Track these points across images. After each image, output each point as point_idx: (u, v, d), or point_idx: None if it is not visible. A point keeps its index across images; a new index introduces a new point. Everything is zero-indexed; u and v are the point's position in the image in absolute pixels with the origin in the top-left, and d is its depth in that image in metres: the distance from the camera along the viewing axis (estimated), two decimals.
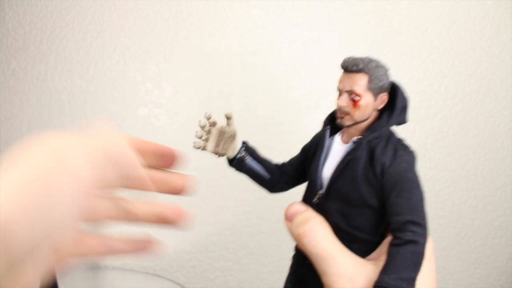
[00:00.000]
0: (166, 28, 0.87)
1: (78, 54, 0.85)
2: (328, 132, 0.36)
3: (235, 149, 0.38)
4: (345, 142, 0.35)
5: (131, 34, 0.86)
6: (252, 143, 0.91)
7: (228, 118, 0.37)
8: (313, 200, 0.35)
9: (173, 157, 0.26)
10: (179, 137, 0.88)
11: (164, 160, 0.26)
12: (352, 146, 0.33)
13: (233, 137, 0.38)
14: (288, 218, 0.33)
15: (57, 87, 0.84)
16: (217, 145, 0.33)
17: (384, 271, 0.29)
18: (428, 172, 0.94)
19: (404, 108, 0.36)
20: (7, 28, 0.83)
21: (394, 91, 0.35)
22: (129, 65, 0.86)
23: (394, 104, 0.35)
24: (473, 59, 0.95)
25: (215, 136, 0.33)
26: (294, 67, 0.89)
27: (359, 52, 0.90)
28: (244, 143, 0.39)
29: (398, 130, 0.94)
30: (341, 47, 0.91)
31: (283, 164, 0.41)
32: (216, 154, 0.34)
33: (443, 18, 0.94)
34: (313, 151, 0.38)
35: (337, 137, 0.36)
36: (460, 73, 0.94)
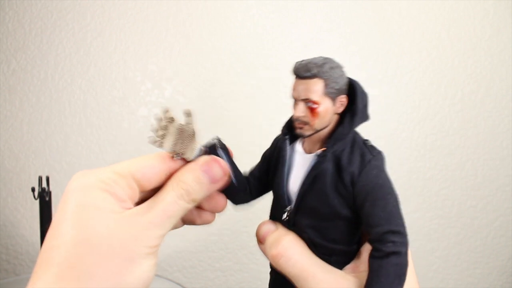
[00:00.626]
0: (166, 28, 0.87)
1: (78, 54, 0.85)
2: (287, 143, 0.33)
3: (194, 149, 0.33)
4: (308, 152, 0.33)
5: (131, 34, 0.86)
6: (251, 144, 0.91)
7: (188, 115, 0.33)
8: (283, 217, 0.33)
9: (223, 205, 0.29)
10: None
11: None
12: (316, 160, 0.31)
13: (191, 136, 0.33)
14: (260, 240, 0.32)
15: (57, 87, 0.85)
16: (175, 143, 0.30)
17: None
18: (428, 172, 0.94)
19: (365, 107, 0.33)
20: (7, 28, 0.83)
21: (352, 90, 0.32)
22: (129, 65, 0.86)
23: (355, 105, 0.32)
24: (473, 59, 0.95)
25: (173, 134, 0.30)
26: None
27: (359, 52, 0.91)
28: (217, 139, 0.35)
29: (399, 131, 0.94)
30: (341, 47, 0.91)
31: (248, 175, 0.38)
32: (173, 153, 0.30)
33: (443, 18, 0.94)
34: (274, 162, 0.35)
35: (298, 146, 0.33)
36: (459, 73, 0.95)
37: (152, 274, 0.23)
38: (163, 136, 0.30)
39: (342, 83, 0.32)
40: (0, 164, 0.83)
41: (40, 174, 0.69)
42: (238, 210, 0.40)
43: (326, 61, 0.32)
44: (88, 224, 0.21)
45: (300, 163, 0.33)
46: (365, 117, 0.34)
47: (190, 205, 0.26)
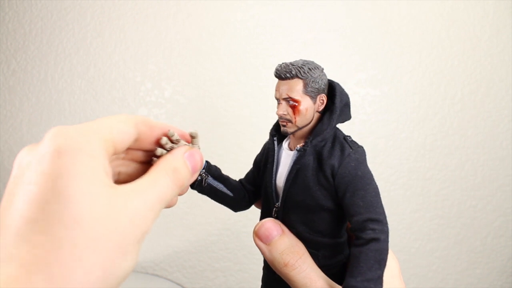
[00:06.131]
0: (166, 28, 0.87)
1: (78, 54, 0.85)
2: (275, 143, 0.35)
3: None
4: (292, 149, 0.35)
5: (131, 34, 0.86)
6: (251, 143, 0.91)
7: (193, 137, 0.35)
8: (272, 214, 0.35)
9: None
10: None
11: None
12: (297, 155, 0.33)
13: None
14: (261, 238, 0.33)
15: (57, 87, 0.85)
16: None
17: (350, 274, 0.29)
18: (428, 172, 0.94)
19: (345, 106, 0.35)
20: (7, 28, 0.83)
21: (332, 90, 0.35)
22: (129, 65, 0.86)
23: (334, 103, 0.34)
24: (472, 59, 0.95)
25: None
26: None
27: (359, 52, 0.91)
28: (206, 162, 0.37)
29: (398, 131, 0.94)
30: (341, 47, 0.91)
31: (241, 180, 0.40)
32: None
33: (443, 18, 0.94)
34: (264, 163, 0.37)
35: (285, 144, 0.36)
36: (459, 73, 0.95)
37: (135, 264, 0.21)
38: None
39: (322, 83, 0.35)
40: (0, 164, 0.83)
41: None
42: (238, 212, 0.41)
43: (305, 63, 0.35)
44: (80, 200, 0.18)
45: (285, 159, 0.35)
46: (345, 116, 0.36)
47: (178, 192, 0.25)
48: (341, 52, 0.90)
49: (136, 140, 0.25)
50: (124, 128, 0.24)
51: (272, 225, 0.33)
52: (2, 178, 0.83)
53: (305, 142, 0.33)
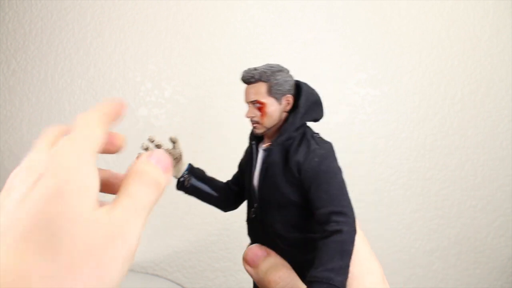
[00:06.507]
0: (166, 28, 0.87)
1: (78, 54, 0.85)
2: (254, 146, 0.37)
3: (179, 171, 0.39)
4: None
5: (131, 34, 0.86)
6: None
7: (174, 142, 0.37)
8: (250, 215, 0.37)
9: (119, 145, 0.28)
10: (179, 137, 0.88)
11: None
12: (265, 154, 0.34)
13: (178, 159, 0.39)
14: (249, 262, 0.35)
15: (57, 87, 0.85)
16: None
17: (313, 267, 0.30)
18: (428, 172, 0.94)
19: (314, 104, 0.36)
20: (7, 28, 0.83)
21: (300, 91, 0.36)
22: (129, 65, 0.86)
23: (298, 102, 0.35)
24: (472, 59, 0.95)
25: None
26: (294, 67, 0.89)
27: (359, 52, 0.91)
28: (189, 165, 0.40)
29: (398, 131, 0.94)
30: (341, 47, 0.91)
31: (228, 182, 0.41)
32: None
33: (443, 18, 0.94)
34: (245, 166, 0.38)
35: (261, 145, 0.37)
36: (459, 73, 0.95)
37: (125, 274, 0.22)
38: None
39: (286, 85, 0.36)
40: (0, 164, 0.83)
41: None
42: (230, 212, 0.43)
43: (268, 67, 0.36)
44: (73, 229, 0.19)
45: (259, 160, 0.36)
46: (315, 113, 0.37)
47: (158, 193, 0.25)
48: (341, 52, 0.90)
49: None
50: (103, 135, 0.25)
51: (258, 249, 0.35)
52: (2, 178, 0.83)
53: (271, 142, 0.35)
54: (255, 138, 0.38)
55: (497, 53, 0.95)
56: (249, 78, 0.37)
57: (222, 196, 0.40)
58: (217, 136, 0.87)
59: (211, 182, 0.40)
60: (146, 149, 0.32)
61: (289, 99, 0.36)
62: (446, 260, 0.95)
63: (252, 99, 0.36)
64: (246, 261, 0.35)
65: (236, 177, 0.42)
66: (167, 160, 0.26)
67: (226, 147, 0.87)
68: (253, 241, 0.39)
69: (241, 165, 0.41)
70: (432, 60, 0.94)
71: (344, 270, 0.29)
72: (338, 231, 0.30)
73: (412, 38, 0.93)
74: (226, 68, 0.88)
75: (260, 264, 0.34)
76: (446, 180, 0.95)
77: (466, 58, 0.95)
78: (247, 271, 0.34)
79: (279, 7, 0.89)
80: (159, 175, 0.25)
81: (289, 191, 0.33)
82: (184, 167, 0.40)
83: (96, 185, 0.22)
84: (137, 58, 0.86)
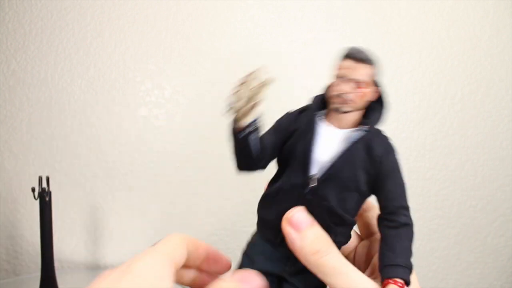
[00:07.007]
0: (166, 28, 0.87)
1: (78, 54, 0.85)
2: (317, 116, 0.37)
3: (252, 116, 0.37)
4: (340, 128, 0.36)
5: (131, 34, 0.86)
6: None
7: (267, 84, 0.38)
8: (306, 184, 0.35)
9: (226, 266, 0.29)
10: (179, 137, 0.88)
11: (215, 266, 0.29)
12: (362, 134, 0.34)
13: (258, 104, 0.38)
14: (293, 225, 0.33)
15: (57, 87, 0.85)
16: (243, 104, 0.35)
17: (391, 251, 0.33)
18: (428, 172, 0.94)
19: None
20: (7, 28, 0.83)
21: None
22: (129, 65, 0.86)
23: (382, 99, 0.37)
24: (472, 59, 0.95)
25: (246, 95, 0.35)
26: (294, 67, 0.89)
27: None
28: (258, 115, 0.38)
29: (398, 131, 0.94)
30: (341, 47, 0.91)
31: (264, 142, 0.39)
32: (236, 111, 0.34)
33: (443, 18, 0.94)
34: (298, 133, 0.37)
35: (322, 121, 0.37)
36: (459, 73, 0.95)
37: None
38: (239, 96, 0.35)
39: (378, 77, 0.37)
40: (0, 164, 0.83)
41: (40, 174, 0.69)
42: (239, 174, 0.40)
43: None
44: None
45: (330, 136, 0.36)
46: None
47: None
48: (341, 52, 0.90)
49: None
50: (182, 251, 0.26)
51: (304, 215, 0.34)
52: (2, 178, 0.83)
53: (370, 126, 0.35)
54: (317, 110, 0.38)
55: (497, 53, 0.95)
56: (364, 58, 0.36)
57: (261, 155, 0.37)
58: (217, 136, 0.87)
59: (261, 141, 0.38)
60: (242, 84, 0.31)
61: (378, 90, 0.37)
62: (446, 260, 0.95)
63: (356, 77, 0.35)
64: (290, 223, 0.33)
65: (270, 139, 0.39)
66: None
67: (226, 147, 0.87)
68: (271, 214, 0.37)
69: (284, 129, 0.39)
70: (432, 60, 0.94)
71: (411, 259, 0.33)
72: (407, 224, 0.34)
73: (412, 38, 0.93)
74: (226, 68, 0.88)
75: (307, 231, 0.33)
76: (446, 180, 0.95)
77: (466, 58, 0.95)
78: (288, 233, 0.33)
79: (279, 7, 0.89)
80: None
81: (362, 180, 0.34)
82: (257, 113, 0.38)
83: None
84: (137, 58, 0.86)
